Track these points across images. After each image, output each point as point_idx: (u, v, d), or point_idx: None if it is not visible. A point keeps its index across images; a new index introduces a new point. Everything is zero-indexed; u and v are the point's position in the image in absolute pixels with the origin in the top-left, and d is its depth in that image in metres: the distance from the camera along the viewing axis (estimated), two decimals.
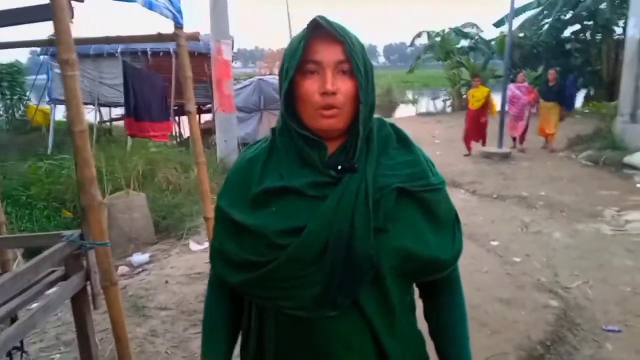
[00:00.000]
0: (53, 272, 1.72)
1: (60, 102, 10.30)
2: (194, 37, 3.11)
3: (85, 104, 10.26)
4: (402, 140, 1.04)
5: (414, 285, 1.08)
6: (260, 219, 0.96)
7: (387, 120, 1.07)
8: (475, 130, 9.32)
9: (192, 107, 3.02)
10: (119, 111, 12.46)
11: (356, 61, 0.92)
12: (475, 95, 9.30)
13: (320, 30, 0.93)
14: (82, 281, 1.68)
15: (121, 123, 12.42)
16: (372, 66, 0.97)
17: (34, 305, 1.76)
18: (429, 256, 0.97)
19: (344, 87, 0.93)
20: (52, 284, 1.69)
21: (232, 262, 1.01)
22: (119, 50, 10.37)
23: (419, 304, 1.13)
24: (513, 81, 10.52)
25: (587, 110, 13.93)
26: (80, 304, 1.69)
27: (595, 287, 3.75)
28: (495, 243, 4.70)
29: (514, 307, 3.34)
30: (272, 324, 1.01)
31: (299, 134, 0.97)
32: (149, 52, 10.78)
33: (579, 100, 15.60)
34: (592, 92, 16.22)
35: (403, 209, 0.96)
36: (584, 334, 3.09)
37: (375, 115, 1.01)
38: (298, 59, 0.92)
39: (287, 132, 1.00)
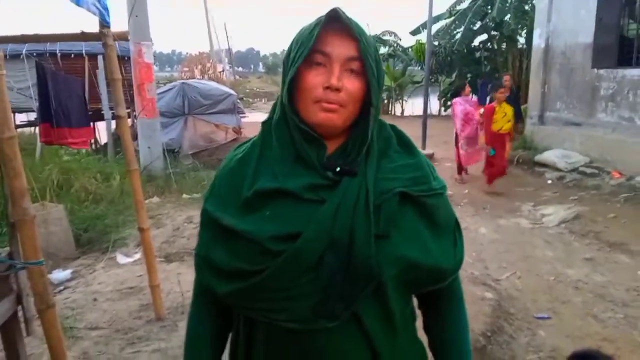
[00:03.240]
0: None
1: None
2: (123, 36, 2.91)
3: None
4: (404, 143, 0.99)
5: (413, 295, 1.04)
6: (253, 223, 0.88)
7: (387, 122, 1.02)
8: (502, 161, 6.81)
9: (122, 110, 2.82)
10: (23, 117, 11.47)
11: (369, 61, 0.88)
12: (507, 114, 6.70)
13: (335, 22, 0.87)
14: (13, 306, 1.48)
15: (26, 130, 11.44)
16: (384, 71, 0.93)
17: None
18: (430, 265, 0.92)
19: (350, 86, 0.88)
20: None
21: (220, 270, 0.92)
22: (24, 52, 9.53)
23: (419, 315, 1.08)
24: (457, 93, 8.24)
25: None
26: (11, 331, 1.49)
27: (522, 278, 4.00)
28: None
29: None
30: (263, 337, 0.94)
31: (299, 128, 0.90)
32: (59, 54, 10.00)
33: None
34: None
35: (404, 215, 0.91)
36: (518, 322, 3.27)
37: None
38: (310, 47, 0.86)
39: (285, 124, 0.92)
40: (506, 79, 7.86)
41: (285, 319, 0.89)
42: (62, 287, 3.94)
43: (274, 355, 0.93)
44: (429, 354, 1.08)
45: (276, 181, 0.90)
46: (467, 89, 8.00)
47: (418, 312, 1.08)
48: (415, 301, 1.07)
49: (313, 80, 0.87)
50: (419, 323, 1.08)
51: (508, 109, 6.73)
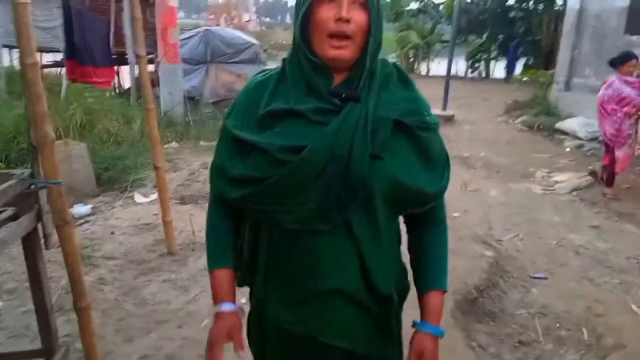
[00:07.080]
0: (2, 212, 1.65)
1: None
2: None
3: (16, 47, 9.46)
4: (403, 79, 1.11)
5: (402, 220, 1.16)
6: (265, 137, 1.02)
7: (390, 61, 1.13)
8: None
9: (142, 50, 2.90)
10: (50, 57, 11.63)
11: None
12: None
13: None
14: (34, 221, 1.63)
15: (52, 70, 11.61)
16: (383, 6, 1.04)
17: None
18: (415, 187, 1.04)
19: (357, 17, 0.98)
20: (1, 224, 1.63)
21: (233, 178, 1.06)
22: None
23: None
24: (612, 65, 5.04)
25: (526, 79, 14.46)
26: (31, 243, 1.65)
27: (525, 240, 4.07)
28: None
29: (453, 256, 3.53)
30: (266, 238, 1.08)
31: (308, 60, 1.01)
32: None
33: (519, 68, 16.26)
34: (530, 61, 16.91)
35: (398, 142, 1.03)
36: (513, 280, 3.38)
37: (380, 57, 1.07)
38: None
39: (297, 59, 1.04)
40: None
41: (289, 220, 1.03)
42: (82, 221, 4.17)
43: (276, 256, 1.08)
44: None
45: (288, 105, 1.03)
46: (632, 63, 4.88)
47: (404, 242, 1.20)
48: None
49: (325, 15, 0.98)
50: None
51: None
